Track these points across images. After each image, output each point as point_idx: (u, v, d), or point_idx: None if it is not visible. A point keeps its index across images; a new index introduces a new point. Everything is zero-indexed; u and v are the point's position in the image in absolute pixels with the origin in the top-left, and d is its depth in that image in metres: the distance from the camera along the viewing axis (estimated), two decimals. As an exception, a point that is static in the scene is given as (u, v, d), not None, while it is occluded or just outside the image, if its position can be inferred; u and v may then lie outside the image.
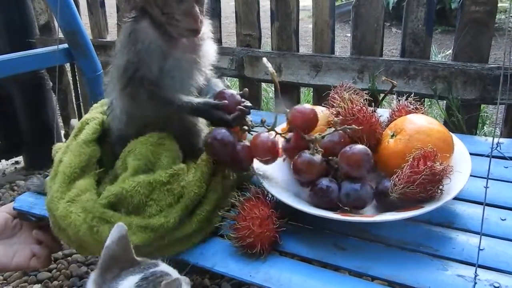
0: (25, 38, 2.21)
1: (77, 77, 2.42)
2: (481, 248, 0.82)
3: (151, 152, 0.99)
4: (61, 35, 1.72)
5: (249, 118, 1.03)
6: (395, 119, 1.09)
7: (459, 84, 1.47)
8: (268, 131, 1.02)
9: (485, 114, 2.09)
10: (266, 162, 1.01)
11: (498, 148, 1.18)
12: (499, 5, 1.43)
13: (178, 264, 0.78)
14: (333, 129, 1.00)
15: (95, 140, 1.10)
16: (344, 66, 1.64)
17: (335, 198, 0.94)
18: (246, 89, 1.09)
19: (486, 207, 0.80)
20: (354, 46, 1.65)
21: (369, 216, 0.93)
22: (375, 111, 1.07)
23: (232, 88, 1.08)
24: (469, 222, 0.94)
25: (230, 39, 3.84)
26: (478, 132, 1.57)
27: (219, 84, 1.13)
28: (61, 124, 2.59)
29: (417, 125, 1.00)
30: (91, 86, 1.75)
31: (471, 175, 0.95)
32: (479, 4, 1.40)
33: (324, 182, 0.95)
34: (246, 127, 1.04)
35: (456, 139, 1.04)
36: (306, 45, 3.68)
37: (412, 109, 1.12)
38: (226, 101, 1.01)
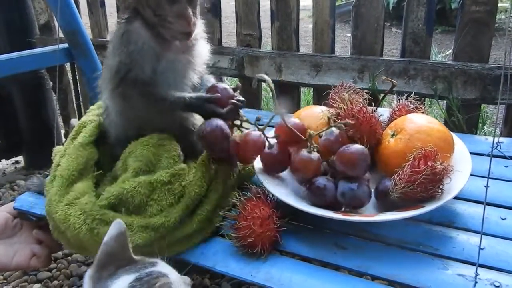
0: (25, 38, 2.22)
1: (77, 76, 2.42)
2: (481, 247, 0.82)
3: (152, 153, 0.99)
4: (61, 34, 1.72)
5: (242, 113, 1.02)
6: (396, 119, 1.09)
7: (459, 84, 1.48)
8: (261, 131, 1.02)
9: (485, 114, 2.09)
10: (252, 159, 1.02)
11: (498, 148, 1.19)
12: (499, 5, 1.43)
13: (179, 264, 0.78)
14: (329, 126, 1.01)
15: (93, 143, 1.10)
16: (344, 66, 1.64)
17: (332, 197, 0.94)
18: (239, 83, 1.08)
19: (486, 206, 0.80)
20: (354, 46, 1.65)
21: (370, 215, 0.93)
22: (375, 111, 1.07)
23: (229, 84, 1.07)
24: (469, 222, 0.94)
25: (230, 39, 3.85)
26: (478, 132, 1.57)
27: (210, 80, 1.12)
28: (61, 123, 2.59)
29: (417, 124, 1.00)
30: (91, 85, 1.74)
31: (471, 175, 0.95)
32: (480, 4, 1.40)
33: (321, 180, 0.95)
34: (238, 122, 1.03)
35: (456, 138, 1.04)
36: (306, 45, 3.68)
37: (412, 108, 1.12)
38: (218, 94, 1.00)
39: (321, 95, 1.54)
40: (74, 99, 2.49)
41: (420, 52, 1.55)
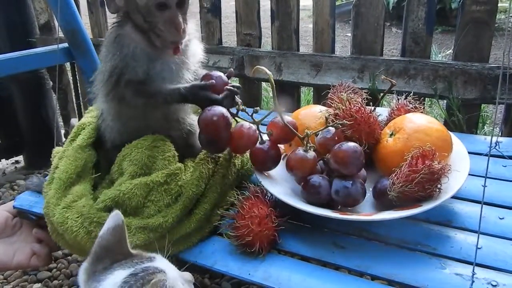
0: (25, 38, 2.22)
1: (77, 76, 2.42)
2: (479, 246, 0.82)
3: (147, 156, 0.99)
4: (61, 34, 1.72)
5: (238, 100, 1.02)
6: (394, 118, 1.09)
7: (460, 84, 1.48)
8: (257, 124, 1.02)
9: (486, 113, 2.09)
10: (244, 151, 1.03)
11: (497, 147, 1.19)
12: (499, 5, 1.43)
13: (179, 262, 0.77)
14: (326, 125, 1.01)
15: (91, 145, 1.10)
16: (344, 66, 1.64)
17: (326, 195, 0.95)
18: (231, 69, 1.08)
19: (484, 206, 0.80)
20: (354, 45, 1.65)
21: (368, 214, 0.93)
22: (373, 111, 1.07)
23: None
24: (467, 221, 0.94)
25: (230, 39, 3.84)
26: (478, 131, 1.57)
27: (203, 73, 1.11)
28: (61, 123, 2.59)
29: (416, 124, 1.00)
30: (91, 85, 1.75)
31: (470, 174, 0.95)
32: (480, 3, 1.40)
33: (315, 178, 0.96)
34: (234, 111, 1.03)
35: (455, 138, 1.04)
36: (306, 45, 3.69)
37: (411, 108, 1.12)
38: (213, 81, 1.00)
39: (321, 95, 1.54)
40: (74, 99, 2.49)
41: (420, 51, 1.55)
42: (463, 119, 1.49)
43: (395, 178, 0.89)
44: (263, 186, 0.98)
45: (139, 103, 0.99)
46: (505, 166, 1.13)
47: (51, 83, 2.32)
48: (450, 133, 1.03)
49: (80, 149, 1.08)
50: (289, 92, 1.81)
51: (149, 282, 0.62)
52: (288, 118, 1.01)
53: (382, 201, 0.95)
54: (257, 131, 1.01)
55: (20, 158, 2.51)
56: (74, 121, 2.42)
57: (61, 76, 2.43)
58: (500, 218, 0.94)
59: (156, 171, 0.99)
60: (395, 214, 0.88)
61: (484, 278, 0.79)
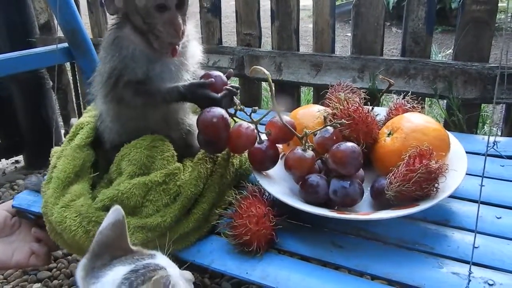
0: (25, 37, 2.21)
1: (77, 76, 2.42)
2: (476, 246, 0.82)
3: (145, 156, 0.99)
4: (61, 34, 1.71)
5: (237, 101, 1.02)
6: (392, 118, 1.09)
7: (460, 84, 1.47)
8: (255, 124, 1.03)
9: (486, 113, 2.09)
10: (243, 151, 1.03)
11: (495, 147, 1.19)
12: (499, 4, 1.43)
13: (177, 261, 0.77)
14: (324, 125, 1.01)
15: (89, 144, 1.10)
16: (344, 66, 1.64)
17: (324, 195, 0.95)
18: (231, 70, 1.08)
19: (482, 205, 0.80)
20: (354, 45, 1.65)
21: (365, 214, 0.93)
22: (371, 110, 1.07)
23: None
24: (464, 220, 0.94)
25: (230, 39, 3.84)
26: (478, 131, 1.57)
27: (202, 73, 1.11)
28: (61, 123, 2.59)
29: (413, 123, 1.00)
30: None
31: (467, 174, 0.95)
32: (480, 3, 1.40)
33: (313, 178, 0.96)
34: (232, 111, 1.03)
35: (452, 137, 1.04)
36: (306, 45, 3.69)
37: (409, 107, 1.12)
38: (212, 79, 1.00)
39: (321, 95, 1.54)
40: (74, 99, 2.49)
41: (420, 51, 1.55)
42: (463, 119, 1.49)
43: (393, 177, 0.89)
44: (261, 186, 0.98)
45: (138, 103, 0.99)
46: (503, 166, 1.13)
47: (51, 83, 2.31)
48: (448, 132, 1.03)
49: (78, 149, 1.08)
50: (289, 92, 1.81)
51: (150, 279, 0.60)
52: (286, 117, 1.01)
53: (380, 201, 0.95)
54: (256, 131, 1.01)
55: (20, 158, 2.51)
56: (74, 121, 2.42)
57: (61, 76, 2.43)
58: (498, 218, 0.94)
59: (155, 171, 0.99)
60: (392, 213, 0.88)
61: (481, 277, 0.79)
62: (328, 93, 1.16)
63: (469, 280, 0.77)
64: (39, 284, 1.59)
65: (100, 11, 2.20)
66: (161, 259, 0.69)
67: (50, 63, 1.84)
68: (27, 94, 2.29)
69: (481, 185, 0.79)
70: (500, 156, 1.17)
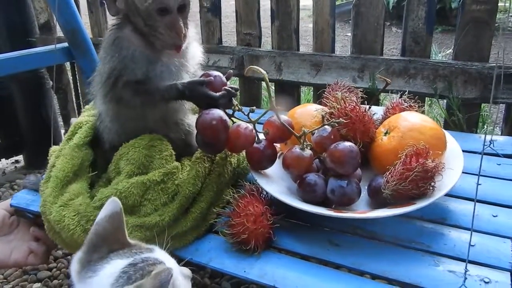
0: (25, 37, 2.21)
1: (77, 76, 2.42)
2: (472, 244, 0.82)
3: (144, 155, 0.99)
4: (60, 34, 1.72)
5: (235, 101, 1.02)
6: (389, 117, 1.09)
7: (460, 83, 1.47)
8: (253, 123, 1.03)
9: (486, 113, 2.09)
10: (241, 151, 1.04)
11: (492, 146, 1.20)
12: (499, 4, 1.43)
13: (175, 259, 0.77)
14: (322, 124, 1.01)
15: (88, 144, 1.10)
16: (344, 65, 1.64)
17: (322, 194, 0.95)
18: (231, 70, 1.08)
19: (478, 203, 0.81)
20: (354, 45, 1.65)
21: (362, 212, 0.93)
22: (368, 110, 1.08)
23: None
24: (461, 219, 0.94)
25: (230, 38, 3.84)
26: (478, 131, 1.57)
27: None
28: (61, 123, 2.59)
29: (410, 122, 1.01)
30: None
31: (464, 172, 0.96)
32: (480, 3, 1.40)
33: (311, 177, 0.96)
34: (230, 111, 1.03)
35: (449, 136, 1.04)
36: (306, 44, 3.69)
37: (406, 106, 1.13)
38: (211, 78, 1.00)
39: (321, 95, 1.54)
40: (74, 98, 2.49)
41: (420, 51, 1.54)
42: (463, 119, 1.49)
43: (389, 176, 0.90)
44: (259, 185, 0.98)
45: (137, 102, 0.99)
46: (499, 165, 1.13)
47: (51, 82, 2.32)
48: (445, 131, 1.03)
49: (77, 148, 1.08)
50: (289, 92, 1.81)
51: (149, 273, 0.60)
52: (284, 117, 1.01)
53: (377, 199, 0.96)
54: (254, 131, 1.01)
55: (20, 157, 2.52)
56: (74, 120, 2.42)
57: (61, 76, 2.43)
58: (494, 216, 0.94)
59: (153, 170, 0.99)
60: (389, 212, 0.89)
61: (477, 275, 0.79)
62: (325, 92, 1.16)
63: (465, 278, 0.77)
64: (39, 284, 1.59)
65: (100, 11, 2.20)
66: (160, 254, 0.68)
67: (50, 63, 1.85)
68: (27, 94, 2.29)
69: (478, 184, 0.79)
70: (497, 155, 1.17)
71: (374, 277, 0.84)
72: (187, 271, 0.71)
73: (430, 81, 1.51)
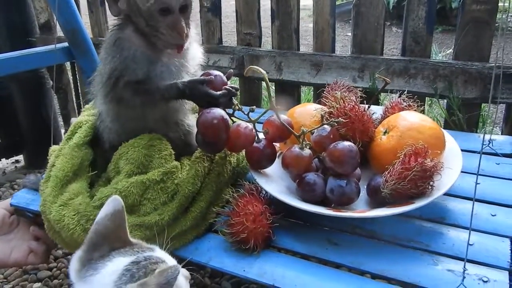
0: (25, 37, 2.21)
1: (77, 75, 2.42)
2: (470, 243, 0.83)
3: (143, 155, 0.99)
4: (60, 33, 1.72)
5: (235, 101, 1.02)
6: (388, 116, 1.09)
7: (460, 83, 1.47)
8: (253, 123, 1.03)
9: (486, 113, 2.09)
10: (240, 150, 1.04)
11: (490, 145, 1.20)
12: (499, 4, 1.43)
13: (175, 259, 0.77)
14: (322, 123, 1.02)
15: (88, 143, 1.10)
16: (344, 65, 1.64)
17: (321, 193, 0.95)
18: (231, 70, 1.08)
19: (477, 203, 0.81)
20: (354, 45, 1.65)
21: (361, 211, 0.93)
22: (368, 109, 1.08)
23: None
24: (459, 218, 0.94)
25: (230, 38, 3.84)
26: (478, 131, 1.57)
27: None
28: (61, 123, 2.60)
29: (409, 122, 1.01)
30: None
31: (463, 171, 0.96)
32: (480, 3, 1.40)
33: (311, 176, 0.96)
34: (230, 111, 1.03)
35: (448, 135, 1.04)
36: (306, 44, 3.69)
37: (405, 106, 1.13)
38: (212, 77, 1.00)
39: (321, 94, 1.54)
40: (74, 98, 2.49)
41: (420, 51, 1.55)
42: (463, 119, 1.49)
43: (388, 175, 0.90)
44: (258, 184, 0.98)
45: (137, 102, 0.99)
46: (498, 164, 1.14)
47: (51, 82, 2.32)
48: (444, 130, 1.03)
49: (76, 147, 1.08)
50: (289, 92, 1.81)
51: (152, 271, 0.60)
52: (283, 116, 1.01)
53: (376, 199, 0.96)
54: (254, 130, 1.01)
55: (20, 157, 2.52)
56: (74, 120, 2.42)
57: (61, 75, 2.43)
58: (492, 215, 0.94)
59: (153, 170, 0.99)
60: (388, 211, 0.89)
61: (476, 274, 0.80)
62: (325, 92, 1.16)
63: (464, 277, 0.77)
64: (39, 284, 1.59)
65: (100, 11, 2.20)
66: (161, 253, 0.68)
67: (50, 63, 1.85)
68: (27, 94, 2.29)
69: (476, 183, 0.79)
70: (496, 154, 1.18)
71: (373, 276, 0.84)
72: (186, 272, 0.71)
73: (430, 81, 1.51)
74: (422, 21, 1.51)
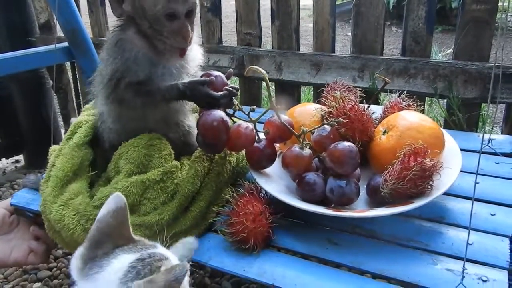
0: (25, 37, 2.21)
1: (77, 75, 2.42)
2: (470, 242, 0.83)
3: (143, 155, 0.99)
4: (60, 33, 1.72)
5: (235, 101, 1.02)
6: (388, 116, 1.09)
7: (460, 83, 1.47)
8: (254, 122, 1.03)
9: (485, 113, 2.09)
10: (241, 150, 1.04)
11: (490, 144, 1.20)
12: (499, 4, 1.43)
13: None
14: (322, 123, 1.02)
15: (88, 143, 1.10)
16: (344, 65, 1.64)
17: (321, 193, 0.96)
18: (231, 70, 1.09)
19: (476, 202, 0.81)
20: (354, 44, 1.65)
21: (361, 211, 0.94)
22: (367, 109, 1.08)
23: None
24: (459, 217, 0.95)
25: (230, 38, 3.85)
26: (478, 130, 1.57)
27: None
28: (61, 122, 2.60)
29: (408, 121, 1.01)
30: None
31: (462, 171, 0.96)
32: (480, 2, 1.40)
33: (311, 176, 0.96)
34: (230, 111, 1.03)
35: (447, 135, 1.05)
36: (306, 44, 3.69)
37: (405, 106, 1.13)
38: (213, 78, 1.00)
39: (321, 94, 1.54)
40: (74, 98, 2.49)
41: (420, 51, 1.54)
42: (463, 118, 1.49)
43: (388, 175, 0.90)
44: (258, 184, 0.98)
45: (138, 103, 0.99)
46: (497, 163, 1.14)
47: (51, 82, 2.31)
48: (443, 130, 1.03)
49: (76, 147, 1.08)
50: (289, 92, 1.81)
51: (158, 268, 0.60)
52: (284, 117, 1.02)
53: (375, 198, 0.96)
54: (254, 130, 1.01)
55: (20, 157, 2.52)
56: (74, 120, 2.42)
57: (61, 75, 2.43)
58: (492, 215, 0.95)
59: (152, 169, 0.99)
60: (387, 211, 0.89)
61: (475, 273, 0.80)
62: (324, 92, 1.16)
63: (463, 277, 0.77)
64: (39, 284, 1.59)
65: (100, 11, 2.20)
66: (163, 250, 0.68)
67: (50, 63, 1.85)
68: (27, 94, 2.29)
69: (475, 182, 0.79)
70: (495, 154, 1.18)
71: (373, 275, 0.84)
72: (187, 266, 0.71)
73: (430, 81, 1.51)
74: (422, 21, 1.51)
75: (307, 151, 0.97)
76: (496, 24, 1.46)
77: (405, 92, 1.16)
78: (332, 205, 0.96)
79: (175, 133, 1.08)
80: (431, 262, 0.83)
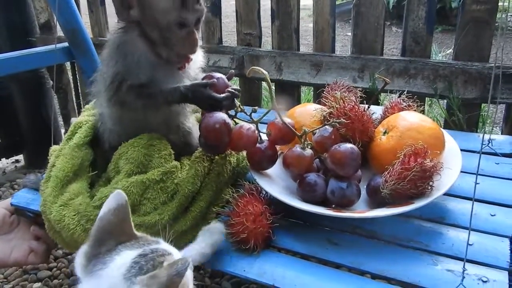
0: (25, 37, 2.21)
1: (77, 75, 2.42)
2: (470, 243, 0.83)
3: (143, 154, 1.00)
4: (60, 33, 1.72)
5: (237, 102, 1.02)
6: (388, 116, 1.09)
7: (460, 83, 1.47)
8: (256, 123, 1.03)
9: (486, 113, 2.09)
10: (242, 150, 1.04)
11: (490, 145, 1.20)
12: (499, 4, 1.43)
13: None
14: (323, 124, 1.02)
15: (88, 143, 1.11)
16: (344, 65, 1.64)
17: (322, 194, 0.96)
18: (232, 70, 1.09)
19: (476, 203, 0.81)
20: (354, 45, 1.65)
21: (361, 212, 0.94)
22: (367, 109, 1.08)
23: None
24: (459, 218, 0.95)
25: (230, 38, 3.85)
26: (478, 131, 1.57)
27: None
28: (61, 122, 2.60)
29: (409, 122, 1.01)
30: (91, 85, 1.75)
31: (463, 171, 0.96)
32: (480, 3, 1.40)
33: (312, 177, 0.96)
34: (232, 112, 1.04)
35: (447, 135, 1.05)
36: (306, 44, 3.69)
37: (405, 106, 1.13)
38: (215, 80, 1.00)
39: (321, 95, 1.54)
40: (74, 98, 2.49)
41: (420, 51, 1.54)
42: (463, 119, 1.49)
43: (388, 176, 0.90)
44: (258, 184, 0.98)
45: (140, 105, 0.99)
46: (497, 164, 1.14)
47: (51, 82, 2.31)
48: (443, 130, 1.03)
49: (77, 148, 1.08)
50: (289, 92, 1.81)
51: (160, 263, 0.61)
52: (287, 119, 1.02)
53: (376, 199, 0.96)
54: (256, 131, 1.01)
55: (20, 157, 2.51)
56: (74, 120, 2.41)
57: (61, 75, 2.43)
58: (492, 215, 0.95)
59: (152, 169, 0.99)
60: (388, 211, 0.89)
61: (475, 274, 0.80)
62: (324, 92, 1.16)
63: (463, 277, 0.77)
64: (39, 284, 1.59)
65: (100, 11, 2.19)
66: (166, 245, 0.68)
67: (50, 63, 1.85)
68: (27, 94, 2.29)
69: (476, 183, 0.79)
70: (495, 154, 1.18)
71: (373, 276, 0.84)
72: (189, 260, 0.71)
73: (430, 81, 1.51)
74: (422, 21, 1.51)
75: (308, 152, 0.97)
76: (496, 24, 1.46)
77: (405, 92, 1.16)
78: (333, 206, 0.96)
79: (175, 134, 1.08)
80: (431, 263, 0.83)
